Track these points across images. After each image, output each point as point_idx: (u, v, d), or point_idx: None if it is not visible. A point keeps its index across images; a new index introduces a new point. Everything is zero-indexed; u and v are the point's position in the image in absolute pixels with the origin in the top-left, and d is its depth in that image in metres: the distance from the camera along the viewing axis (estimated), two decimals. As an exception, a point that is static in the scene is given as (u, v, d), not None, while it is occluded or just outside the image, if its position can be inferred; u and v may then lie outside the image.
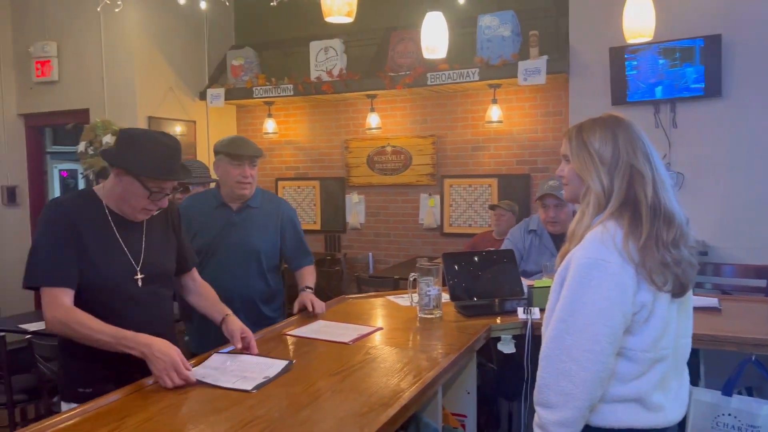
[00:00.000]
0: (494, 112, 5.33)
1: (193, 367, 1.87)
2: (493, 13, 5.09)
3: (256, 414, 1.58)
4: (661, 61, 4.47)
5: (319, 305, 2.62)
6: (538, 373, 1.48)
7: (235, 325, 2.11)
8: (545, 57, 4.84)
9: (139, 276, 1.98)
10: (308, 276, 2.82)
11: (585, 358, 1.39)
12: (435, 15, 3.19)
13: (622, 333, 1.43)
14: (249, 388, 1.75)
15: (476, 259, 2.73)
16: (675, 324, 1.49)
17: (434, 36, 3.20)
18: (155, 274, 2.05)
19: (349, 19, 2.38)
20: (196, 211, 2.75)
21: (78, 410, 1.61)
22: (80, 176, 10.61)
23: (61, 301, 1.85)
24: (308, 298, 2.63)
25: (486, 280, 2.67)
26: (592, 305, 1.40)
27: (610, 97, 4.67)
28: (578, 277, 1.43)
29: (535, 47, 4.89)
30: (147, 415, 1.58)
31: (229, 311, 2.18)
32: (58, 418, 1.57)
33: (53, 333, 1.91)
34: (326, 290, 5.46)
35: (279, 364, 1.94)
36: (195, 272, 2.30)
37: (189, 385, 1.77)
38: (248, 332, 2.10)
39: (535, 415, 1.49)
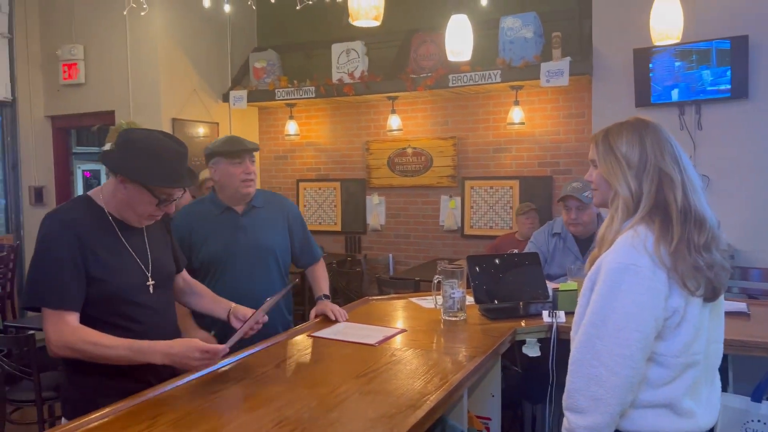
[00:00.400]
0: (516, 114, 5.31)
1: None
2: (516, 14, 5.08)
3: (285, 414, 1.60)
4: (678, 63, 4.42)
5: (341, 313, 2.56)
6: (568, 378, 1.47)
7: (246, 309, 2.12)
8: (568, 58, 4.81)
9: (150, 282, 1.93)
10: (322, 280, 2.76)
11: (615, 363, 1.39)
12: (460, 18, 3.19)
13: (654, 338, 1.42)
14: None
15: (501, 261, 2.72)
16: (707, 329, 1.48)
17: (459, 39, 3.20)
18: (164, 279, 2.00)
19: (377, 23, 2.38)
20: (198, 219, 2.60)
21: (110, 409, 1.63)
22: (104, 176, 10.83)
23: (66, 322, 1.75)
24: (328, 307, 2.57)
25: (510, 282, 2.66)
26: (623, 310, 1.40)
27: (633, 98, 4.63)
28: (609, 281, 1.42)
29: (557, 49, 4.86)
30: (178, 415, 1.60)
31: (233, 303, 2.18)
32: (89, 417, 1.59)
33: (57, 357, 1.78)
34: (346, 291, 5.48)
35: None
36: (185, 272, 2.24)
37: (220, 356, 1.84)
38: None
39: (564, 419, 1.49)
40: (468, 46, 3.24)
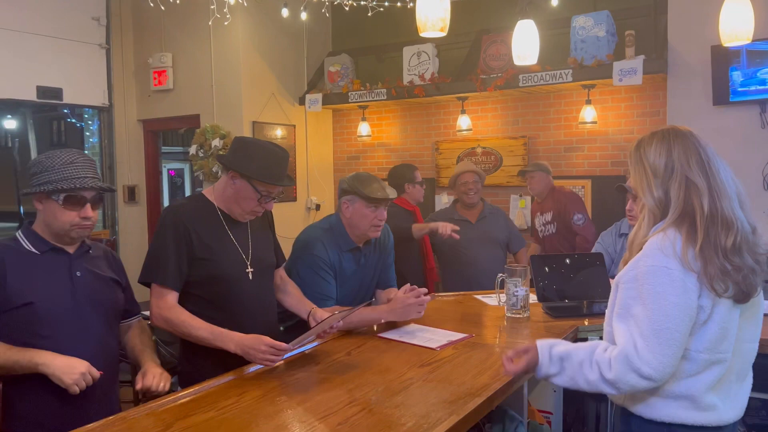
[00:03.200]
0: (588, 113, 5.27)
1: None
2: (588, 13, 5.04)
3: (354, 396, 1.76)
4: (759, 60, 4.27)
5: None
6: (611, 372, 1.54)
7: (324, 312, 2.29)
8: (642, 57, 4.74)
9: (249, 270, 2.20)
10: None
11: (657, 361, 1.47)
12: (526, 23, 3.25)
13: (688, 334, 1.49)
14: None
15: (565, 261, 2.78)
16: (736, 329, 1.53)
17: (525, 44, 3.26)
18: (262, 268, 2.27)
19: (443, 34, 2.49)
20: (336, 249, 2.60)
21: (200, 386, 1.85)
22: (187, 174, 11.46)
23: (167, 299, 2.07)
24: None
25: (575, 282, 2.72)
26: (660, 311, 1.47)
27: (711, 97, 4.51)
28: (646, 284, 1.51)
29: (631, 47, 4.79)
30: (262, 392, 1.80)
31: (314, 305, 2.35)
32: (183, 393, 1.82)
33: (156, 326, 2.14)
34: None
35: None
36: (282, 270, 2.46)
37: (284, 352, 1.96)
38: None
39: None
40: (534, 50, 3.30)
